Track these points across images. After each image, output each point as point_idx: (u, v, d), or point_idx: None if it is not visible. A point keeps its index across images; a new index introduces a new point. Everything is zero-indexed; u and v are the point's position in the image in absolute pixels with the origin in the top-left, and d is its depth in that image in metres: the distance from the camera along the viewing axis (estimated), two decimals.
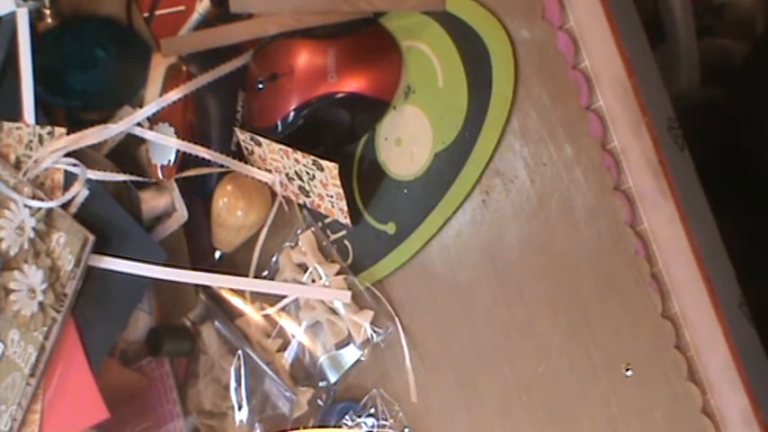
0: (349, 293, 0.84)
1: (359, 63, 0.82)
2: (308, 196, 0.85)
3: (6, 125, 0.86)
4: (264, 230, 0.87)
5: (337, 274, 0.85)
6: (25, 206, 0.84)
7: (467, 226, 0.79)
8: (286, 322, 0.86)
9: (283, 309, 0.86)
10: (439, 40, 0.80)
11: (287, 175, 0.84)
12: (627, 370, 0.74)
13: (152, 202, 0.86)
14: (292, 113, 0.82)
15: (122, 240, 0.83)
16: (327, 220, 0.86)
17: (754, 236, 0.92)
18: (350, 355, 0.85)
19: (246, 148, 0.86)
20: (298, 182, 0.84)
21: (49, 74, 0.88)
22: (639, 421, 0.72)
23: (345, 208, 0.82)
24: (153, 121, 0.87)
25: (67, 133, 0.85)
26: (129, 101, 0.90)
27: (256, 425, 0.86)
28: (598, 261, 0.73)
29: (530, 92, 0.75)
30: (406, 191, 0.82)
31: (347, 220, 0.83)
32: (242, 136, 0.84)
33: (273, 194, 0.87)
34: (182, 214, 0.86)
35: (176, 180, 0.86)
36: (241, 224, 0.85)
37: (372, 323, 0.84)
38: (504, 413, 0.79)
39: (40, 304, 0.82)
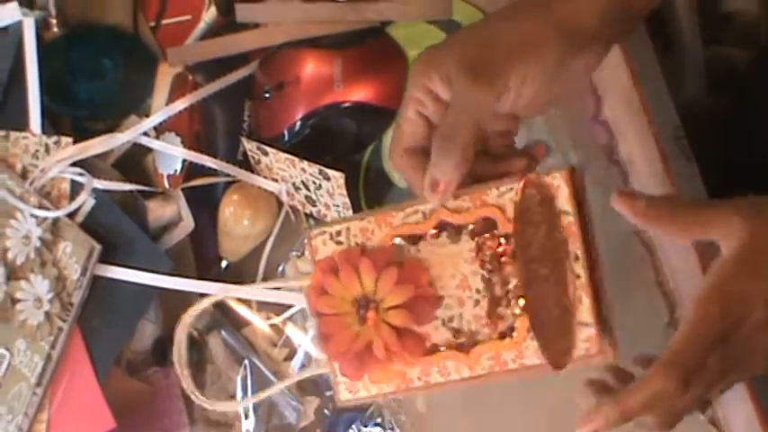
0: None
1: (365, 72, 0.82)
2: (314, 205, 0.85)
3: (13, 134, 0.87)
4: (271, 239, 0.87)
5: None
6: (31, 216, 0.84)
7: None
8: (293, 331, 0.86)
9: (290, 318, 0.86)
10: None
11: (293, 184, 0.84)
12: None
13: (158, 212, 0.86)
14: (299, 123, 0.83)
15: (129, 249, 0.83)
16: None
17: None
18: None
19: (253, 158, 0.86)
20: (304, 191, 0.84)
21: (56, 83, 0.88)
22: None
23: None
24: (159, 130, 0.87)
25: (74, 142, 0.85)
26: (136, 110, 0.90)
27: None
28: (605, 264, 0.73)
29: None
30: None
31: None
32: (248, 145, 0.85)
33: (280, 204, 0.87)
34: (188, 223, 0.86)
35: (183, 189, 0.86)
36: (247, 233, 0.85)
37: None
38: (512, 423, 0.78)
39: (47, 314, 0.83)
